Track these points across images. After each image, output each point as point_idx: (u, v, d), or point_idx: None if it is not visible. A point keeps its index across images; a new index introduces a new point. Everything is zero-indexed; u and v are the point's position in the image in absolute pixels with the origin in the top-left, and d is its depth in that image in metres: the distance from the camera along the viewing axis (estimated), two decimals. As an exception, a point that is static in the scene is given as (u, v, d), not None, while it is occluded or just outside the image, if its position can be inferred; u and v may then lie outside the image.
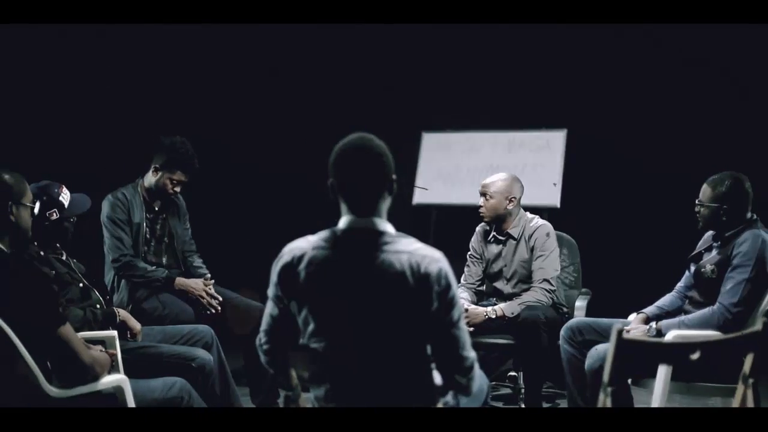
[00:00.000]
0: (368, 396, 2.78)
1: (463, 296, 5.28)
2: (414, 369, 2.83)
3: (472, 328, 4.95)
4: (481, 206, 5.31)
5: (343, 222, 2.86)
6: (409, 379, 2.82)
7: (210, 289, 5.28)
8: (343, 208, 2.86)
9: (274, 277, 2.89)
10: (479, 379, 3.17)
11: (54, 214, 4.29)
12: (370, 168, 2.84)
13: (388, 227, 2.85)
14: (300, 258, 2.82)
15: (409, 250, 2.75)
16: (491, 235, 5.41)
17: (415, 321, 2.74)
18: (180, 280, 5.27)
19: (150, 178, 5.30)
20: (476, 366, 2.86)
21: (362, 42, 7.53)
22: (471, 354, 2.84)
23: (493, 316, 5.05)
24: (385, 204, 2.87)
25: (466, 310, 5.04)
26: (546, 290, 5.12)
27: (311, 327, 2.84)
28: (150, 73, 7.66)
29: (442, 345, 2.80)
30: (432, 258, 2.74)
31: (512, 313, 5.03)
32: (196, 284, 5.27)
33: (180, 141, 5.28)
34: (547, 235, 5.27)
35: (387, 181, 2.85)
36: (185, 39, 7.48)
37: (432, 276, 2.71)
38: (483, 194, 5.30)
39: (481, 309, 5.11)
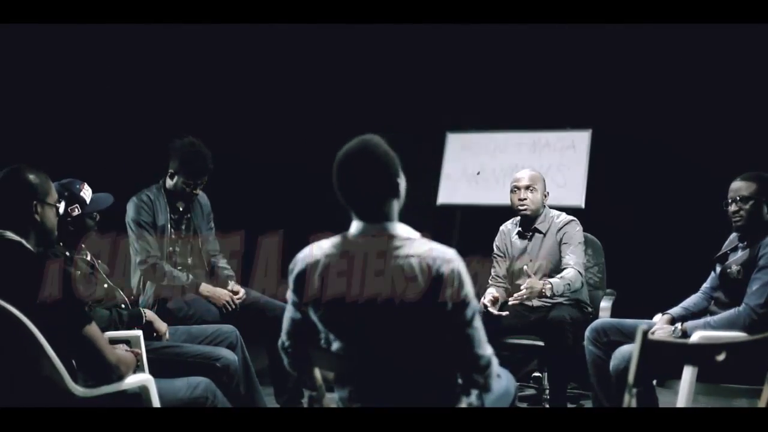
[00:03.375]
0: (390, 397, 2.78)
1: (492, 292, 5.27)
2: (435, 369, 2.82)
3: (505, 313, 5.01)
4: (523, 199, 5.31)
5: (354, 228, 2.85)
6: (431, 380, 2.82)
7: (236, 299, 5.29)
8: (353, 213, 2.86)
9: (290, 284, 2.90)
10: (507, 380, 3.16)
11: (75, 209, 4.30)
12: (371, 174, 2.82)
13: (399, 230, 2.83)
14: (314, 266, 2.83)
15: (420, 253, 2.73)
16: (516, 231, 5.42)
17: (431, 323, 2.73)
18: (205, 287, 5.28)
19: (169, 182, 5.32)
20: (494, 363, 2.84)
21: (387, 42, 7.54)
22: (487, 351, 2.82)
23: (548, 294, 5.01)
24: (394, 207, 2.85)
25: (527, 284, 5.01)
26: (579, 272, 5.13)
27: (331, 333, 2.85)
28: (172, 73, 7.69)
29: (458, 345, 2.78)
30: (444, 259, 2.73)
31: (558, 292, 5.00)
32: (220, 294, 5.29)
33: (189, 143, 5.28)
34: (576, 228, 5.33)
35: (391, 185, 2.84)
36: (213, 38, 7.52)
37: (445, 277, 2.70)
38: (527, 187, 5.31)
39: (540, 282, 5.01)
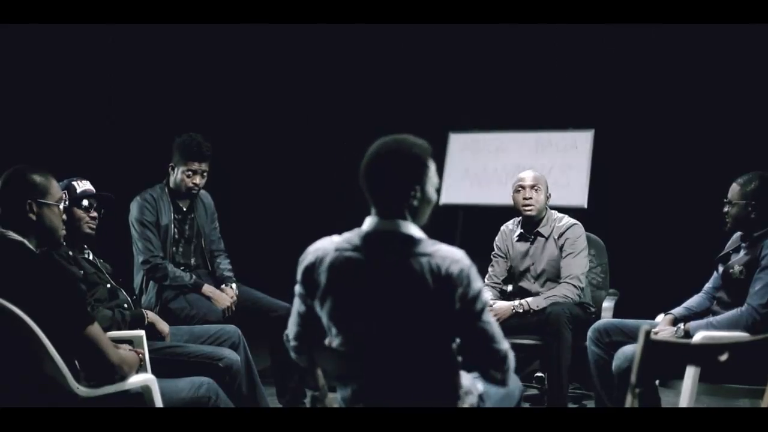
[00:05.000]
0: (394, 397, 2.78)
1: (488, 295, 5.28)
2: (438, 370, 2.81)
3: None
4: (528, 198, 5.28)
5: (367, 224, 2.85)
6: (434, 381, 2.81)
7: (233, 306, 5.30)
8: (372, 207, 2.86)
9: (298, 276, 2.90)
10: (512, 382, 3.15)
11: (65, 194, 4.28)
12: (400, 170, 2.82)
13: (413, 230, 2.82)
14: (322, 260, 2.83)
15: (429, 252, 2.73)
16: (518, 233, 5.41)
17: (437, 323, 2.73)
18: (208, 288, 5.28)
19: (171, 178, 5.33)
20: (511, 357, 2.84)
21: (389, 43, 7.54)
22: (503, 346, 2.81)
23: (520, 311, 5.08)
24: (413, 209, 2.84)
25: (491, 306, 5.08)
26: (574, 286, 5.12)
27: (334, 328, 2.85)
28: (181, 74, 7.70)
29: (473, 341, 2.78)
30: (452, 259, 2.72)
31: (538, 306, 5.05)
32: (223, 298, 5.27)
33: (187, 134, 5.30)
34: (579, 234, 5.27)
35: (416, 186, 2.83)
36: (217, 39, 7.53)
37: (454, 277, 2.69)
38: (532, 186, 5.28)
39: (507, 304, 5.15)
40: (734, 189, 4.44)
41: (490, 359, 2.81)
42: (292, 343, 3.04)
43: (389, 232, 2.81)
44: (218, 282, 5.44)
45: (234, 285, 5.43)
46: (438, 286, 2.69)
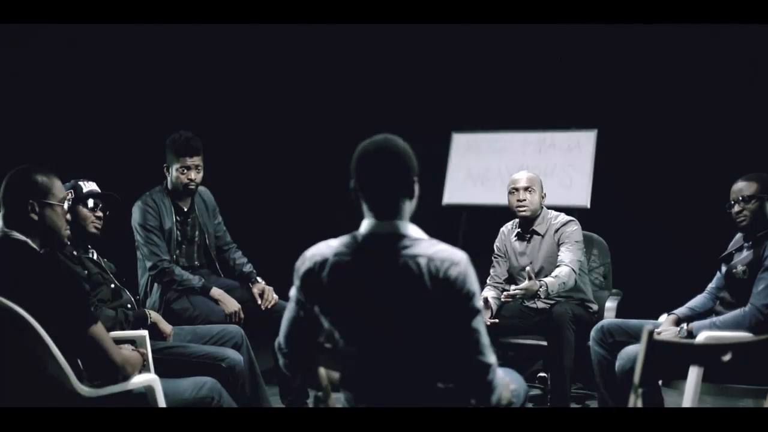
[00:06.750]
0: (396, 398, 2.77)
1: (491, 294, 5.29)
2: (440, 371, 2.80)
3: (496, 321, 5.09)
4: (522, 200, 5.31)
5: (364, 226, 2.83)
6: (436, 381, 2.80)
7: (241, 313, 5.26)
8: (365, 210, 2.83)
9: (297, 281, 2.87)
10: (517, 383, 3.14)
11: (70, 193, 4.28)
12: (391, 169, 2.81)
13: (410, 230, 2.81)
14: (322, 264, 2.80)
15: (429, 254, 2.71)
16: (516, 233, 5.43)
17: (435, 324, 2.71)
18: (216, 291, 5.26)
19: (169, 179, 5.33)
20: (495, 372, 2.77)
21: (392, 43, 7.54)
22: (490, 359, 2.75)
23: (543, 295, 5.03)
24: (408, 206, 2.84)
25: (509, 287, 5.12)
26: (572, 270, 5.12)
27: (336, 331, 2.84)
28: (186, 75, 7.70)
29: (460, 350, 2.73)
30: (452, 261, 2.69)
31: (552, 291, 5.00)
32: (231, 304, 5.23)
33: (176, 132, 5.30)
34: (574, 228, 5.32)
35: (409, 183, 2.82)
36: (220, 40, 7.53)
37: (451, 280, 2.67)
38: (525, 188, 5.31)
39: (537, 283, 4.99)
40: (749, 186, 4.41)
41: (475, 371, 2.74)
42: (285, 351, 2.99)
43: (388, 234, 2.79)
44: (240, 280, 5.46)
45: (260, 279, 5.44)
46: (436, 288, 2.67)
